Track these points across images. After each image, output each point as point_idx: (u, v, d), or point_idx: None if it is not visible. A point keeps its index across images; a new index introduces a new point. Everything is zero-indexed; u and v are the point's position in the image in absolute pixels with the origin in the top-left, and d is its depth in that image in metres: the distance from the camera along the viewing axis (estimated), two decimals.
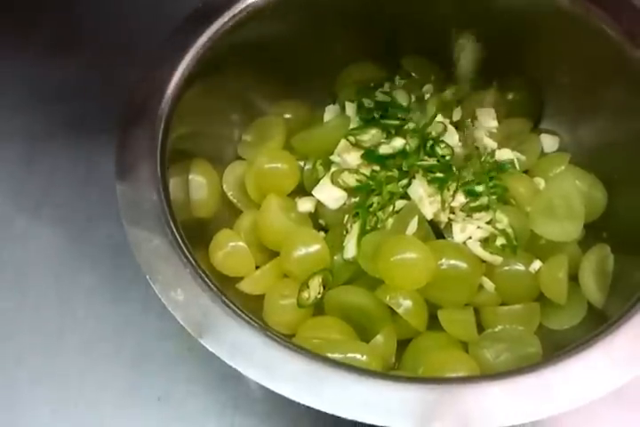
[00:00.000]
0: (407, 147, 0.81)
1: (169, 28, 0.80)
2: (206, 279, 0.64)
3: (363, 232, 0.77)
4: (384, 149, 0.81)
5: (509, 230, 0.78)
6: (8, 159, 0.98)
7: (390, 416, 0.56)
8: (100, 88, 1.01)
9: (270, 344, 0.60)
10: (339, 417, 0.56)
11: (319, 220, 0.83)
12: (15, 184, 0.95)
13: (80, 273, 0.88)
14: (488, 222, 0.79)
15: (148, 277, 0.63)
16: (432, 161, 0.81)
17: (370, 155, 0.82)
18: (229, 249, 0.78)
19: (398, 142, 0.81)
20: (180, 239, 0.66)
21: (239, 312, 0.62)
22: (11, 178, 0.96)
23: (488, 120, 0.87)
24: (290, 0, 0.84)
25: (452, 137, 0.84)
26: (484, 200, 0.79)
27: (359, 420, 0.56)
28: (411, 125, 0.84)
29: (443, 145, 0.81)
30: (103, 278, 0.87)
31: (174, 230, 0.67)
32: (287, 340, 0.62)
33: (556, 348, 0.62)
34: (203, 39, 0.78)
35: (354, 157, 0.83)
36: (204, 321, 0.61)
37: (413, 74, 0.92)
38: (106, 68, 1.02)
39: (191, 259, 0.65)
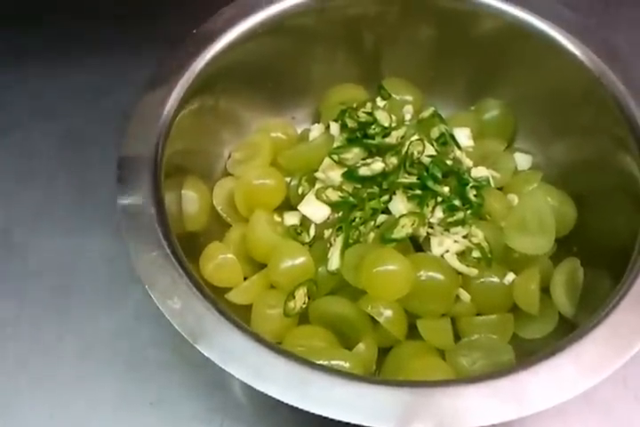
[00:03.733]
0: (386, 167, 0.82)
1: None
2: (201, 288, 0.67)
3: (346, 245, 0.78)
4: (363, 171, 0.82)
5: (485, 244, 0.79)
6: (6, 172, 0.99)
7: (372, 417, 0.58)
8: (98, 104, 1.03)
9: (260, 349, 0.62)
10: (322, 422, 0.58)
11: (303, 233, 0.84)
12: (13, 196, 0.97)
13: (76, 283, 0.89)
14: (464, 237, 0.81)
15: (146, 286, 0.66)
16: (412, 179, 0.82)
17: (350, 175, 0.83)
18: (219, 261, 0.80)
19: (377, 166, 0.82)
20: (176, 250, 0.69)
21: (232, 319, 0.64)
22: (9, 190, 0.97)
23: (464, 139, 0.89)
24: (280, 25, 0.87)
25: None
26: (460, 215, 0.80)
27: (343, 420, 0.58)
28: (391, 145, 0.85)
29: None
30: (99, 288, 0.88)
31: (171, 242, 0.69)
32: (276, 345, 0.64)
33: (529, 356, 0.64)
34: (198, 62, 0.81)
35: (337, 174, 0.84)
36: (199, 328, 0.63)
37: (394, 95, 0.94)
38: (105, 84, 1.04)
39: (187, 269, 0.68)
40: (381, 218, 0.81)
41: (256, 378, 0.61)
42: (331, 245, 0.80)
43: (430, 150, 0.85)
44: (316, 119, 0.98)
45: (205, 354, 0.62)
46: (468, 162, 0.88)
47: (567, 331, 0.70)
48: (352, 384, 0.60)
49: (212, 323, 0.64)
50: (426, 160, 0.83)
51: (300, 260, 0.79)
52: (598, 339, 0.63)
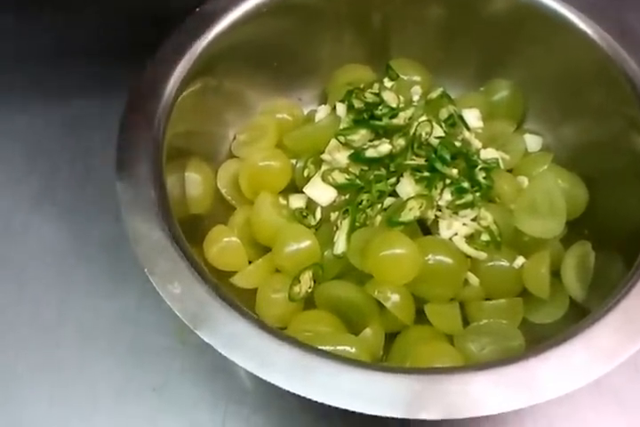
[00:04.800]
0: (394, 149, 0.82)
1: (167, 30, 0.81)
2: (202, 273, 0.66)
3: (352, 229, 0.78)
4: (370, 153, 0.82)
5: (494, 227, 0.79)
6: (7, 156, 0.99)
7: (379, 405, 0.57)
8: (99, 88, 1.01)
9: (263, 335, 0.61)
10: (328, 409, 0.57)
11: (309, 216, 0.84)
12: (14, 180, 0.96)
13: (78, 268, 0.88)
14: (473, 219, 0.80)
15: (145, 270, 0.65)
16: (420, 161, 0.82)
17: (357, 157, 0.82)
18: (223, 244, 0.79)
19: (384, 148, 0.82)
20: (177, 234, 0.68)
21: (234, 305, 0.63)
22: (10, 174, 0.97)
23: (473, 121, 0.88)
24: (285, 4, 0.86)
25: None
26: (469, 198, 0.80)
27: (348, 408, 0.57)
28: (399, 126, 0.84)
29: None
30: (100, 273, 0.88)
31: (171, 226, 0.68)
32: (280, 331, 0.63)
33: (539, 341, 0.64)
34: (200, 41, 0.80)
35: (344, 156, 0.83)
36: (200, 313, 0.62)
37: (402, 75, 0.93)
38: (106, 67, 1.02)
39: (188, 253, 0.67)
40: (388, 201, 0.81)
41: (259, 365, 0.60)
42: (337, 228, 0.79)
43: (439, 132, 0.84)
44: (323, 100, 0.97)
45: (206, 340, 0.61)
46: (477, 143, 0.87)
47: (578, 316, 0.69)
48: (358, 371, 0.59)
49: (213, 308, 0.63)
50: (434, 142, 0.82)
51: (306, 243, 0.78)
52: (611, 324, 0.62)
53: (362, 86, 0.88)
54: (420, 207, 0.77)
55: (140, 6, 1.01)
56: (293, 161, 0.87)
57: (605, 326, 0.62)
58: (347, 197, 0.82)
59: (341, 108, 0.88)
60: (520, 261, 0.79)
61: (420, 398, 0.58)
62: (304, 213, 0.83)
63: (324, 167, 0.84)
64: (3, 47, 1.08)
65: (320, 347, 0.65)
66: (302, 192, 0.84)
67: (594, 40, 0.81)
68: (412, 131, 0.83)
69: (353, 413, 0.57)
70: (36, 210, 0.94)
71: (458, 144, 0.84)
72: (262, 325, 0.62)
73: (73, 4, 1.03)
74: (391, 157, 0.82)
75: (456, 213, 0.80)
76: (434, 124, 0.83)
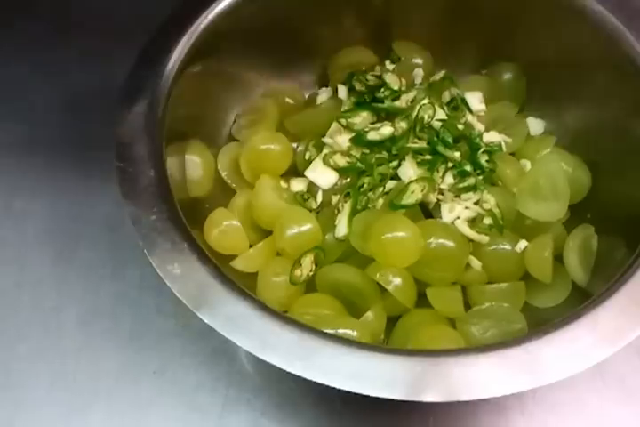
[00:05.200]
0: (395, 132, 0.81)
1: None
2: (203, 254, 0.65)
3: (354, 212, 0.78)
4: (372, 136, 0.82)
5: (496, 211, 0.78)
6: (7, 140, 0.98)
7: (380, 387, 0.57)
8: (98, 69, 1.01)
9: (264, 317, 0.61)
10: (328, 392, 0.57)
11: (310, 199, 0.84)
12: (14, 163, 0.96)
13: (78, 251, 0.88)
14: (476, 203, 0.80)
15: (145, 251, 0.64)
16: (422, 144, 0.81)
17: (358, 140, 0.82)
18: (224, 228, 0.79)
19: (386, 130, 0.82)
20: (177, 215, 0.67)
21: (235, 286, 0.63)
22: (9, 157, 0.96)
23: (476, 103, 0.88)
24: None
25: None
26: (471, 181, 0.79)
27: (349, 390, 0.57)
28: (400, 108, 0.84)
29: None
30: (101, 256, 0.87)
31: (171, 206, 0.68)
32: (281, 313, 0.63)
33: (541, 326, 0.63)
34: (200, 22, 0.79)
35: (345, 139, 0.83)
36: (201, 294, 0.62)
37: (404, 58, 0.93)
38: (104, 50, 1.02)
39: (188, 234, 0.66)
40: (390, 184, 0.80)
41: (260, 347, 0.59)
42: (338, 211, 0.79)
43: (441, 114, 0.84)
44: (324, 83, 0.96)
45: (207, 322, 0.60)
46: (479, 126, 0.87)
47: (580, 300, 0.68)
48: (360, 353, 0.59)
49: (214, 290, 0.63)
50: (436, 124, 0.83)
51: (307, 226, 0.78)
52: (614, 308, 0.62)
53: (363, 69, 0.88)
54: (422, 190, 0.77)
55: None
56: (294, 144, 0.87)
57: (609, 308, 0.62)
58: (348, 180, 0.82)
59: (343, 91, 0.88)
60: (522, 244, 0.79)
61: (421, 380, 0.57)
62: (305, 197, 0.83)
63: (325, 150, 0.84)
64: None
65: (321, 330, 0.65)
66: (303, 175, 0.84)
67: (598, 23, 0.80)
68: (414, 113, 0.83)
69: (354, 396, 0.57)
70: (36, 191, 0.93)
71: (460, 127, 0.84)
72: (263, 306, 0.62)
73: None
74: (393, 139, 0.82)
75: (458, 196, 0.80)
76: (436, 106, 0.83)
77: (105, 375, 0.80)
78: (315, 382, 0.57)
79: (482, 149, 0.82)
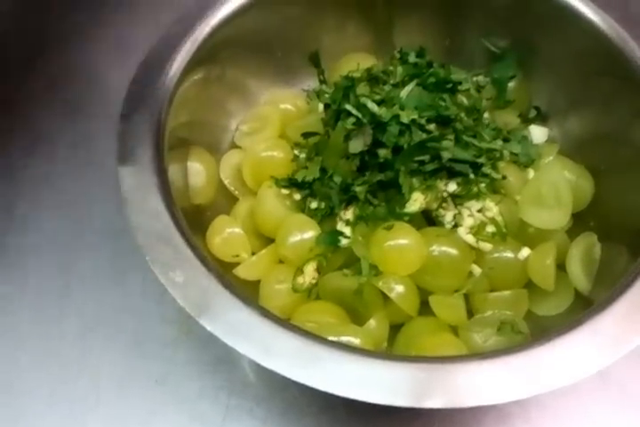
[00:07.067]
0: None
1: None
2: (205, 261, 0.65)
3: (357, 219, 0.77)
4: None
5: (499, 218, 0.78)
6: (8, 145, 0.98)
7: (384, 394, 0.57)
8: (101, 73, 1.01)
9: (267, 324, 0.61)
10: (331, 400, 0.57)
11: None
12: (15, 169, 0.96)
13: (80, 258, 0.88)
14: (478, 211, 0.79)
15: (147, 258, 0.64)
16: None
17: None
18: (226, 235, 0.79)
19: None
20: (179, 223, 0.67)
21: (237, 293, 0.63)
22: (11, 163, 0.96)
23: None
24: None
25: None
26: (474, 189, 0.79)
27: (352, 397, 0.57)
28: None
29: None
30: (103, 263, 0.87)
31: (174, 214, 0.67)
32: (283, 320, 0.63)
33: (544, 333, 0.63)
34: (202, 30, 0.80)
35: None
36: (203, 302, 0.62)
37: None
38: (107, 54, 1.03)
39: (190, 241, 0.66)
40: (393, 192, 0.79)
41: (263, 354, 0.59)
42: (341, 219, 0.79)
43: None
44: None
45: (209, 329, 0.60)
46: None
47: (583, 308, 0.69)
48: (363, 361, 0.59)
49: (216, 297, 0.63)
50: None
51: (310, 234, 0.78)
52: (616, 315, 0.62)
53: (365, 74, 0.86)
54: (425, 198, 0.77)
55: None
56: (296, 151, 0.86)
57: (611, 315, 0.62)
58: None
59: None
60: (525, 252, 0.78)
61: (424, 387, 0.57)
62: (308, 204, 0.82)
63: None
64: None
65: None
66: None
67: (602, 29, 0.80)
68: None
69: (358, 404, 0.57)
70: (38, 199, 0.93)
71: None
72: (266, 313, 0.62)
73: None
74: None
75: (461, 204, 0.80)
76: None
77: (106, 384, 0.80)
78: (318, 390, 0.57)
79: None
